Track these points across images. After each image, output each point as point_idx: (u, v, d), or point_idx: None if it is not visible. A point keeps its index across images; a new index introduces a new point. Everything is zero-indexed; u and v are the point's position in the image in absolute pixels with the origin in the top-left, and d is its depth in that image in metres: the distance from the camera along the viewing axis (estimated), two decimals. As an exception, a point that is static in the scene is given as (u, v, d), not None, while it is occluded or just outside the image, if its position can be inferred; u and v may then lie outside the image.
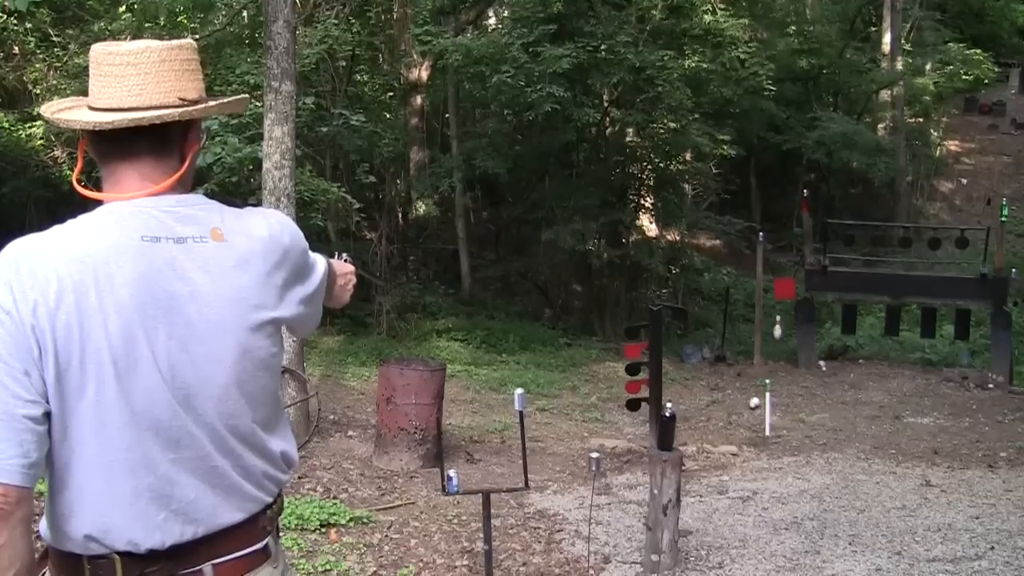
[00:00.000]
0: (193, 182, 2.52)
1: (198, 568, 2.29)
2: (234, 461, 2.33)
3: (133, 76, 2.31)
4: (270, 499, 2.47)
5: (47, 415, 2.10)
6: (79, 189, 2.48)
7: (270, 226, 2.42)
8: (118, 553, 2.20)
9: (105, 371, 2.12)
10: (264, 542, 2.45)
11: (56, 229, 2.21)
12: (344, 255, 3.26)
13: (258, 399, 2.37)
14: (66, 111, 2.41)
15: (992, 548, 7.02)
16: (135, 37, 18.03)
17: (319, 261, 2.70)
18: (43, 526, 2.30)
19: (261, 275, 2.34)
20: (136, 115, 2.26)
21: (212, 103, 2.45)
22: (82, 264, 2.12)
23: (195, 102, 2.36)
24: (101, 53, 2.37)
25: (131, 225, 2.22)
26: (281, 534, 2.71)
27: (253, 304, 2.32)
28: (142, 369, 2.16)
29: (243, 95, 2.73)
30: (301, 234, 2.53)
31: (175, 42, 2.41)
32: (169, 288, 2.20)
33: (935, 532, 7.64)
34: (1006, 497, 8.88)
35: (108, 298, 2.12)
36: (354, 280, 3.19)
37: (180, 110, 2.31)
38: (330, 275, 2.83)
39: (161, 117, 2.27)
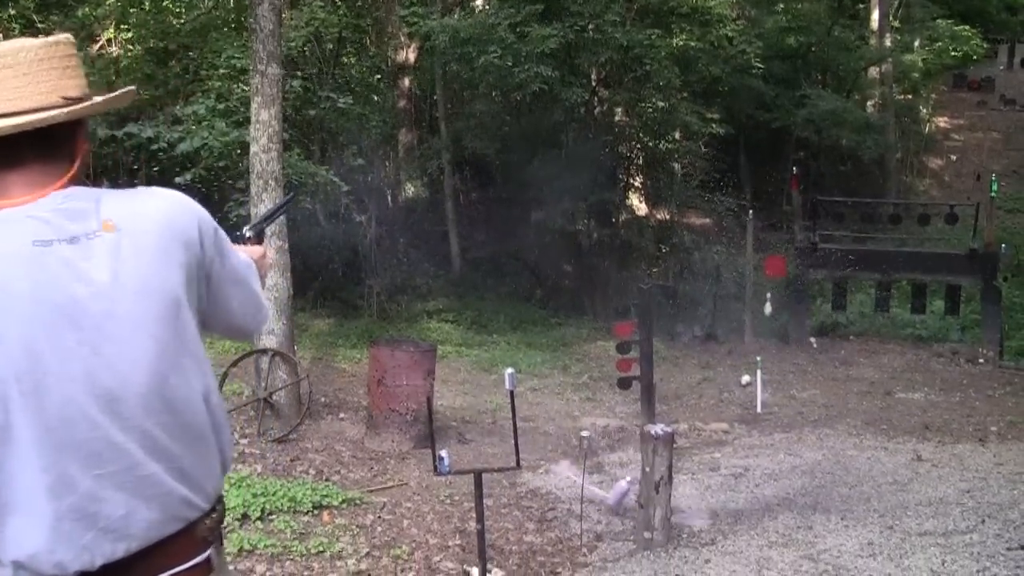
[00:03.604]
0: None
1: None
2: (168, 463, 2.18)
3: (11, 78, 2.16)
4: (207, 506, 2.32)
5: None
6: None
7: (165, 207, 2.27)
8: None
9: (8, 391, 2.02)
10: (205, 554, 2.31)
11: None
12: (247, 232, 3.05)
13: (187, 393, 2.23)
14: None
15: (983, 521, 7.03)
16: (119, 23, 18.00)
17: (236, 247, 2.58)
18: None
19: (163, 259, 2.19)
20: (18, 120, 2.12)
21: (98, 99, 2.31)
22: None
23: (79, 99, 2.23)
24: None
25: (21, 232, 2.09)
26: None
27: (162, 291, 2.17)
28: (51, 384, 2.04)
29: (129, 88, 2.51)
30: (204, 212, 2.36)
31: (52, 39, 2.25)
32: (69, 291, 2.07)
33: (926, 506, 7.66)
34: (997, 471, 8.90)
35: (3, 315, 2.02)
36: (268, 261, 3.08)
37: (65, 110, 2.18)
38: (257, 263, 2.74)
39: (44, 120, 2.14)
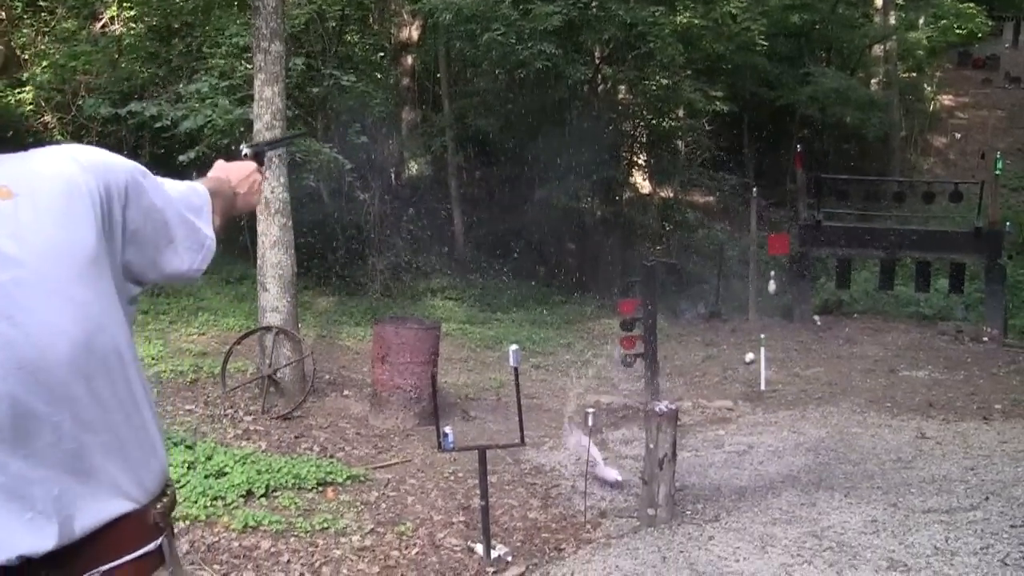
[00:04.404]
0: None
1: None
2: (102, 436, 2.02)
3: None
4: (153, 487, 2.17)
5: None
6: None
7: (65, 163, 2.06)
8: None
9: None
10: (157, 542, 2.17)
11: None
12: (244, 149, 2.95)
13: (117, 357, 2.06)
14: None
15: (987, 499, 7.04)
16: (122, 1, 17.96)
17: (170, 183, 2.35)
18: None
19: (69, 218, 2.00)
20: None
21: None
22: None
23: None
24: None
25: None
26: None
27: (72, 251, 1.99)
28: None
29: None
30: (113, 160, 2.15)
31: None
32: None
33: (930, 484, 7.66)
34: (1001, 449, 8.90)
35: None
36: (258, 178, 2.85)
37: None
38: (219, 190, 2.58)
39: None
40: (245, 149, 2.95)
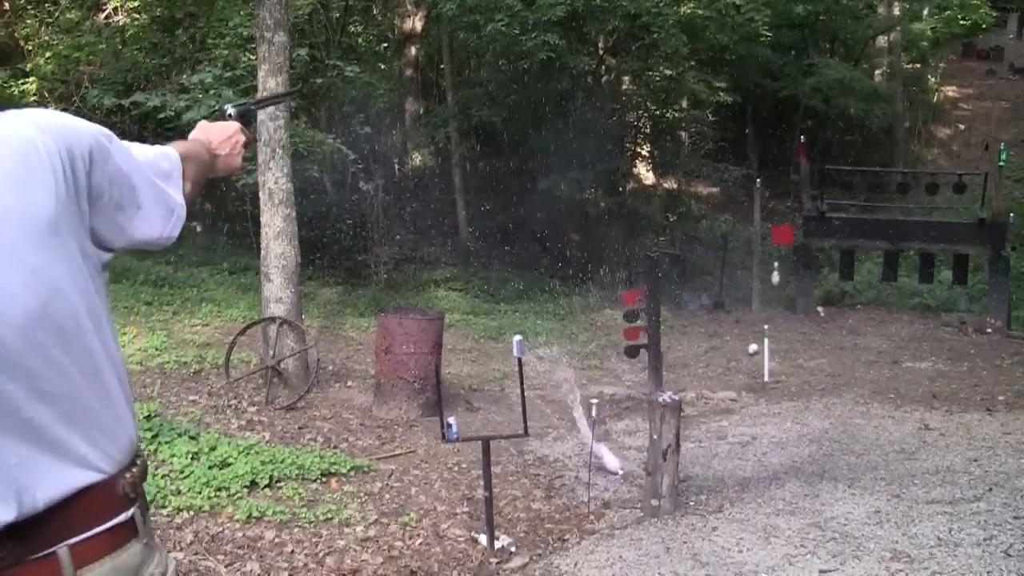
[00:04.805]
0: None
1: (51, 551, 1.95)
2: (61, 405, 1.96)
3: None
4: (121, 456, 2.09)
5: None
6: None
7: (20, 127, 1.98)
8: None
9: None
10: (129, 513, 2.10)
11: None
12: (229, 109, 2.86)
13: (76, 323, 1.98)
14: None
15: (990, 490, 7.04)
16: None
17: (139, 148, 2.29)
18: None
19: (23, 182, 1.92)
20: None
21: None
22: None
23: None
24: None
25: None
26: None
27: (25, 215, 1.91)
28: None
29: None
30: (75, 123, 2.07)
31: None
32: None
33: (934, 475, 7.66)
34: (1004, 440, 8.89)
35: None
36: (241, 139, 2.77)
37: None
38: (193, 154, 2.52)
39: None
40: (230, 109, 2.88)
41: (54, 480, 1.94)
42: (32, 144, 1.94)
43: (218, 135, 2.70)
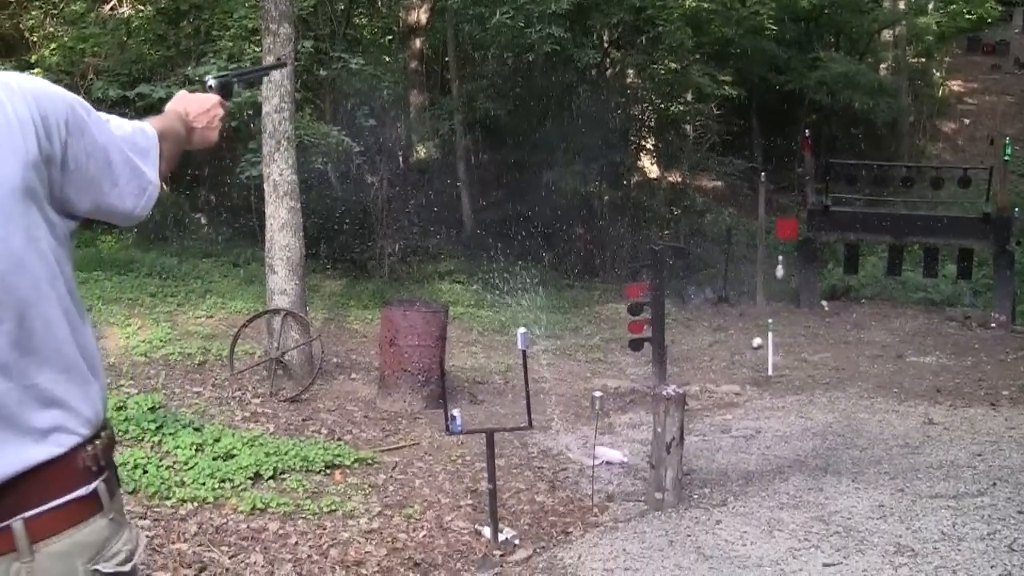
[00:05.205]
0: None
1: (5, 525, 1.92)
2: (21, 381, 1.92)
3: None
4: (83, 429, 2.04)
5: None
6: None
7: None
8: None
9: None
10: (90, 487, 2.04)
11: None
12: (209, 81, 2.80)
13: (37, 295, 1.94)
14: None
15: (994, 485, 7.04)
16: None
17: (116, 121, 2.24)
18: None
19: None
20: None
21: None
22: None
23: None
24: None
25: None
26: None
27: None
28: None
29: None
30: (56, 88, 2.04)
31: None
32: None
33: (937, 469, 7.66)
34: (1008, 435, 8.90)
35: None
36: (219, 112, 2.69)
37: None
38: (171, 132, 2.45)
39: None
40: (210, 81, 2.81)
41: (8, 455, 1.91)
42: (3, 108, 1.90)
43: (196, 107, 2.64)
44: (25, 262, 1.91)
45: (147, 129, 2.31)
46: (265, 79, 10.37)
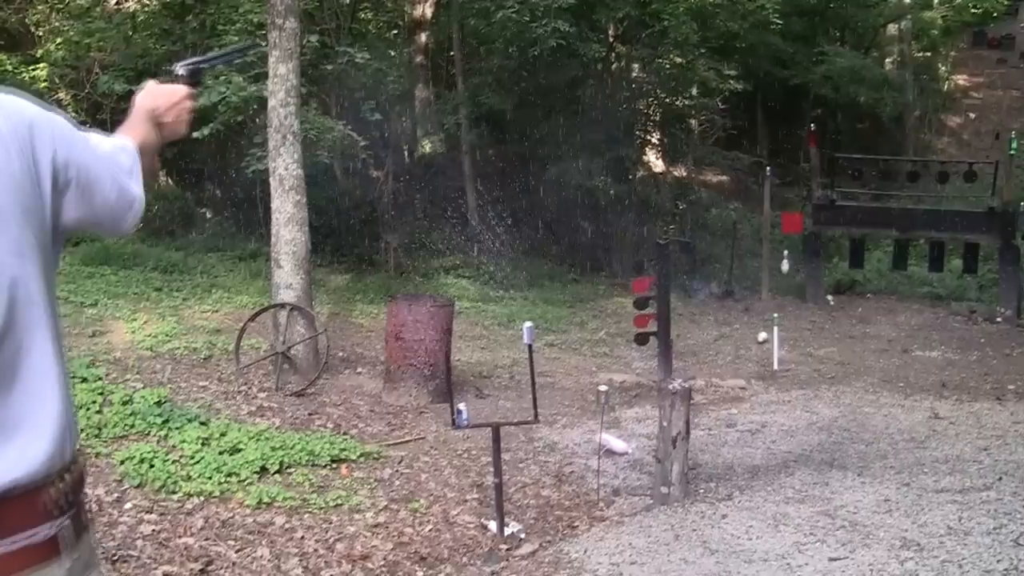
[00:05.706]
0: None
1: None
2: None
3: None
4: (47, 470, 1.89)
5: None
6: None
7: None
8: None
9: None
10: (50, 529, 1.88)
11: None
12: (178, 69, 2.67)
13: (2, 326, 1.82)
14: None
15: (1000, 479, 7.04)
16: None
17: (96, 139, 2.19)
18: None
19: None
20: None
21: None
22: None
23: None
24: None
25: None
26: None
27: None
28: None
29: None
30: (44, 109, 2.01)
31: None
32: None
33: (943, 463, 7.66)
34: (1014, 429, 8.89)
35: None
36: (187, 105, 2.58)
37: None
38: (148, 145, 2.39)
39: None
40: (179, 68, 2.69)
41: None
42: None
43: (165, 101, 2.52)
44: (12, 283, 1.84)
45: (127, 146, 2.28)
46: (271, 75, 10.39)
